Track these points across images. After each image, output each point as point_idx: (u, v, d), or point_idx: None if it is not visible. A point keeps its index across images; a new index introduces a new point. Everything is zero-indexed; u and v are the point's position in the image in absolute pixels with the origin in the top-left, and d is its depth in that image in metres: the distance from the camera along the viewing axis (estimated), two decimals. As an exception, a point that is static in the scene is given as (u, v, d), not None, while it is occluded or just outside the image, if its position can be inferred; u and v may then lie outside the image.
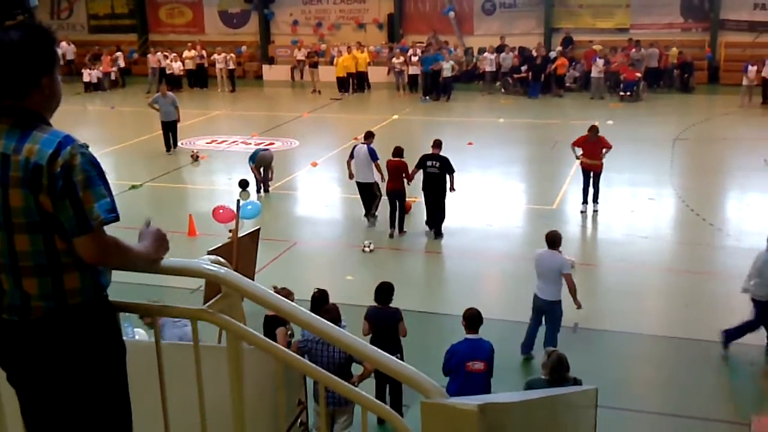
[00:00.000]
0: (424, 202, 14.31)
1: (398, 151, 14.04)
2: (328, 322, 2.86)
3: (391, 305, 8.53)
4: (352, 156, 14.66)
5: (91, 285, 2.67)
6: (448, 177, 13.84)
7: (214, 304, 2.79)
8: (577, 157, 15.21)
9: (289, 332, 8.07)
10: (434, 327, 10.70)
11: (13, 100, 2.58)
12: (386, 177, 14.20)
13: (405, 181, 13.99)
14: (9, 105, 2.58)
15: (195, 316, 2.80)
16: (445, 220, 14.16)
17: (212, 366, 2.96)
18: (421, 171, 13.98)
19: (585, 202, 15.23)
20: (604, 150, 14.92)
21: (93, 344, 2.69)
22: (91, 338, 2.69)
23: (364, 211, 14.82)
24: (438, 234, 14.07)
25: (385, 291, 8.55)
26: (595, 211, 15.19)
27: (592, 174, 15.03)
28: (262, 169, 17.02)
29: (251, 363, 3.10)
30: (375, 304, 8.54)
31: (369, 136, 14.84)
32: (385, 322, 8.34)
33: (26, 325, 2.61)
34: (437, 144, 14.15)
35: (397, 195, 14.09)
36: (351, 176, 14.82)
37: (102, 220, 2.51)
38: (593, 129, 15.07)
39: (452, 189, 13.99)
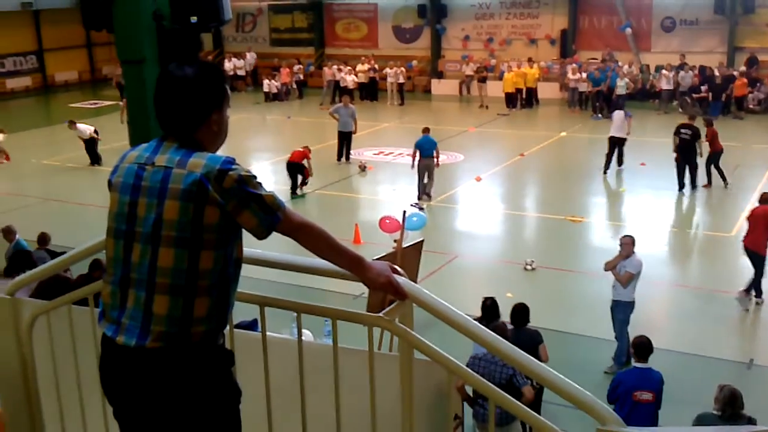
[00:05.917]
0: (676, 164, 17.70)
1: (765, 198, 12.06)
2: (500, 337, 2.85)
3: (529, 326, 8.23)
4: (611, 119, 20.30)
5: (217, 314, 2.63)
6: (697, 143, 17.54)
7: (391, 311, 2.84)
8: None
9: None
10: (596, 351, 10.38)
11: (182, 132, 2.66)
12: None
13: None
14: (178, 133, 2.66)
15: (372, 323, 2.87)
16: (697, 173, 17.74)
17: (378, 373, 3.01)
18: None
19: (750, 290, 11.74)
20: None
21: (210, 382, 2.63)
22: (209, 374, 2.63)
23: (603, 167, 19.39)
24: (693, 184, 17.78)
25: (520, 312, 8.25)
26: (758, 304, 11.79)
27: (756, 257, 11.72)
28: (426, 176, 17.37)
29: (416, 372, 3.12)
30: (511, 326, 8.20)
31: (620, 107, 20.62)
32: (522, 346, 7.81)
33: (142, 354, 2.54)
34: (692, 116, 18.56)
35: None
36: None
37: (281, 207, 2.62)
38: (765, 197, 12.00)
39: (700, 154, 17.64)
